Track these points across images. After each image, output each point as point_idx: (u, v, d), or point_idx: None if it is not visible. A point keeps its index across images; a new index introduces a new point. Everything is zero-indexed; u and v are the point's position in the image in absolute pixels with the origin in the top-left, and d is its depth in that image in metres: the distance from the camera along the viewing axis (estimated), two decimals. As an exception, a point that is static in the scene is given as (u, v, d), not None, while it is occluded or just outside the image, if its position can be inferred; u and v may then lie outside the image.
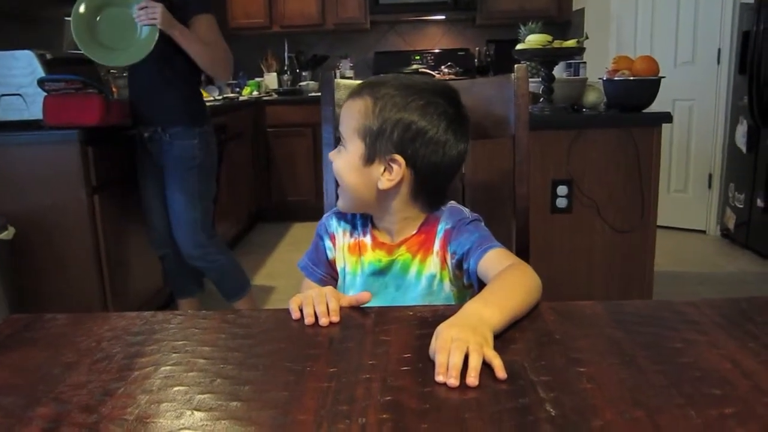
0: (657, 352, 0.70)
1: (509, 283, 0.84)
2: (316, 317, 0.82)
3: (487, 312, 0.75)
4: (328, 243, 1.09)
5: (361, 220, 1.07)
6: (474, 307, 0.76)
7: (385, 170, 0.96)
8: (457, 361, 0.65)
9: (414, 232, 1.02)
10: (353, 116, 0.97)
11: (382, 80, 0.99)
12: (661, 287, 2.85)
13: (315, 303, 0.83)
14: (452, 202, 1.06)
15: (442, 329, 0.71)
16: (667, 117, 2.31)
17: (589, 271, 2.42)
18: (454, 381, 0.64)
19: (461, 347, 0.67)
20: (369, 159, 0.97)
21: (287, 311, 0.85)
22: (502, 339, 0.74)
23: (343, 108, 1.01)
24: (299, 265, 1.12)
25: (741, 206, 3.69)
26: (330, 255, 1.09)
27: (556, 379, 0.64)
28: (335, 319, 0.81)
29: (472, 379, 0.64)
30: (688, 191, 4.11)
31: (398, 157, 0.95)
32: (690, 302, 0.84)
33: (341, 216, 1.09)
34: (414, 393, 0.62)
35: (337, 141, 1.06)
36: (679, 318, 0.79)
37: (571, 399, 0.60)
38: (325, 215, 1.12)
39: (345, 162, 0.99)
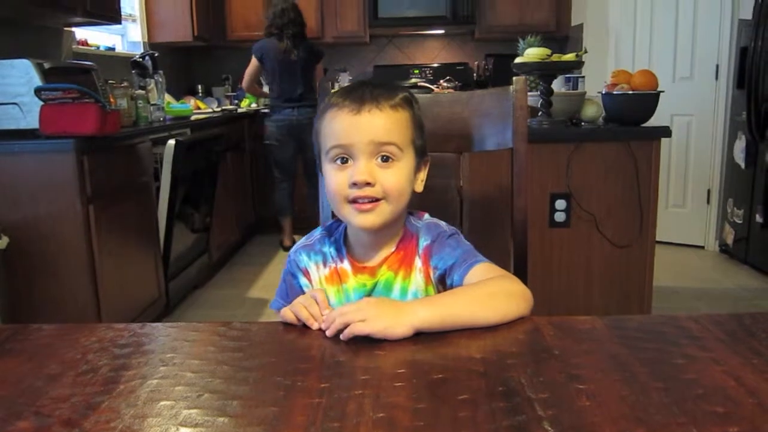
0: (658, 369, 0.68)
1: (473, 288, 0.87)
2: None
3: (420, 307, 0.79)
4: (303, 280, 1.04)
5: (332, 246, 1.02)
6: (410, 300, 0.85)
7: (417, 172, 0.99)
8: (338, 322, 0.76)
9: (393, 249, 1.00)
10: (404, 128, 0.95)
11: (389, 87, 0.99)
12: (660, 302, 2.83)
13: (306, 306, 0.84)
14: (426, 215, 1.04)
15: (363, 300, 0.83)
16: (666, 131, 2.31)
17: (588, 285, 2.41)
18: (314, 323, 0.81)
19: (353, 316, 0.76)
20: (417, 167, 0.99)
21: (279, 324, 0.84)
22: (499, 354, 0.72)
23: (382, 122, 0.93)
24: (273, 307, 1.06)
25: (740, 222, 3.67)
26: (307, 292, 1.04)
27: (555, 396, 0.62)
28: (326, 310, 0.83)
29: (329, 330, 0.77)
30: (687, 206, 4.11)
31: (428, 157, 1.01)
32: (692, 317, 0.82)
33: (309, 248, 1.04)
34: (407, 410, 0.60)
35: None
36: (681, 333, 0.77)
37: (570, 417, 0.58)
38: (291, 251, 1.06)
39: (405, 175, 0.95)
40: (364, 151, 0.91)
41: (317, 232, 1.06)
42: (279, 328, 0.83)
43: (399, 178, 0.93)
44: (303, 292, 1.03)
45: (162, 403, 0.63)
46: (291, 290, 1.04)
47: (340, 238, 1.02)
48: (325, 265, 1.02)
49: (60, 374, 0.69)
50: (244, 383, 0.67)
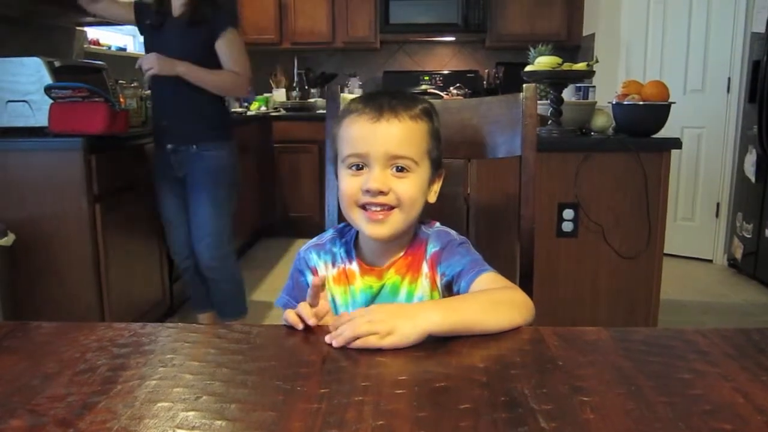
0: (665, 383, 0.66)
1: (480, 295, 0.88)
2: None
3: (432, 312, 0.78)
4: (310, 278, 1.03)
5: (343, 248, 1.03)
6: (421, 304, 0.86)
7: (431, 184, 0.99)
8: (348, 335, 0.74)
9: (402, 253, 1.00)
10: (420, 140, 0.95)
11: (409, 97, 0.98)
12: (666, 315, 2.80)
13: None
14: (438, 224, 1.04)
15: (372, 306, 0.80)
16: (676, 143, 2.29)
17: (594, 296, 2.39)
18: (327, 338, 0.76)
19: (363, 328, 0.74)
20: (431, 179, 0.99)
21: (280, 327, 0.83)
22: (503, 363, 0.71)
23: (399, 133, 0.92)
24: (279, 303, 1.05)
25: (749, 236, 3.64)
26: None
27: (558, 408, 0.61)
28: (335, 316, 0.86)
29: (336, 340, 0.75)
30: (696, 219, 4.08)
31: (443, 170, 1.01)
32: (699, 331, 0.80)
33: (320, 248, 1.05)
34: (408, 418, 0.59)
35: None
36: (688, 347, 0.76)
37: (573, 429, 0.57)
38: (302, 249, 1.06)
39: (419, 186, 0.95)
40: (380, 160, 0.92)
41: (329, 233, 1.07)
42: (280, 332, 0.82)
43: (413, 187, 0.94)
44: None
45: (159, 404, 0.62)
46: (297, 287, 1.05)
47: (351, 241, 1.03)
48: (333, 265, 1.03)
49: (57, 373, 0.69)
50: (243, 386, 0.66)
